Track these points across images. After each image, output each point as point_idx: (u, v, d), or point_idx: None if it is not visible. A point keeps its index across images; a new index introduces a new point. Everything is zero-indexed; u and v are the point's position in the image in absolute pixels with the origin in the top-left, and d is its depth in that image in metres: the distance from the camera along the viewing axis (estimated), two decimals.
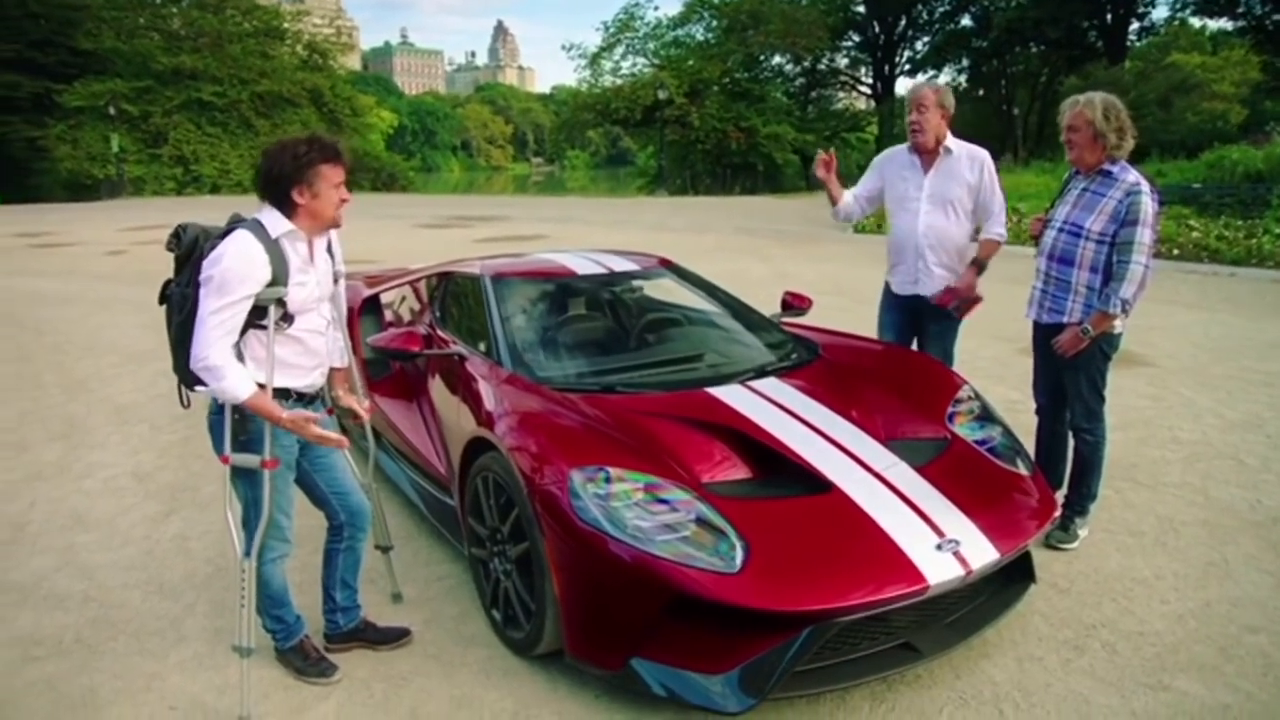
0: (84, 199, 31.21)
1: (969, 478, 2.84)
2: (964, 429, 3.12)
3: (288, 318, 2.45)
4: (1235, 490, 4.00)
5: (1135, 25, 34.35)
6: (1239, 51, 34.34)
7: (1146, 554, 3.41)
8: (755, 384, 3.22)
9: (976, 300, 3.90)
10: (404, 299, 4.78)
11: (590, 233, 15.86)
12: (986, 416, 3.24)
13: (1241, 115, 31.97)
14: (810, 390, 3.20)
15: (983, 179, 3.86)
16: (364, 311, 4.72)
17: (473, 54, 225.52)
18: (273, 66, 36.94)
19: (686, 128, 35.00)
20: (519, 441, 2.78)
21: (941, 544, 2.47)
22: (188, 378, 2.43)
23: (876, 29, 40.09)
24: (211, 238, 2.42)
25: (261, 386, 2.39)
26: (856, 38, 40.91)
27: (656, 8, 64.91)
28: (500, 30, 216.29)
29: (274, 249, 2.38)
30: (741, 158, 35.40)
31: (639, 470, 2.56)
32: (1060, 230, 3.38)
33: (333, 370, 2.78)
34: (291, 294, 2.43)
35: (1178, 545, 3.48)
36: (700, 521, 2.42)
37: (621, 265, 4.07)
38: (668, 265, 4.22)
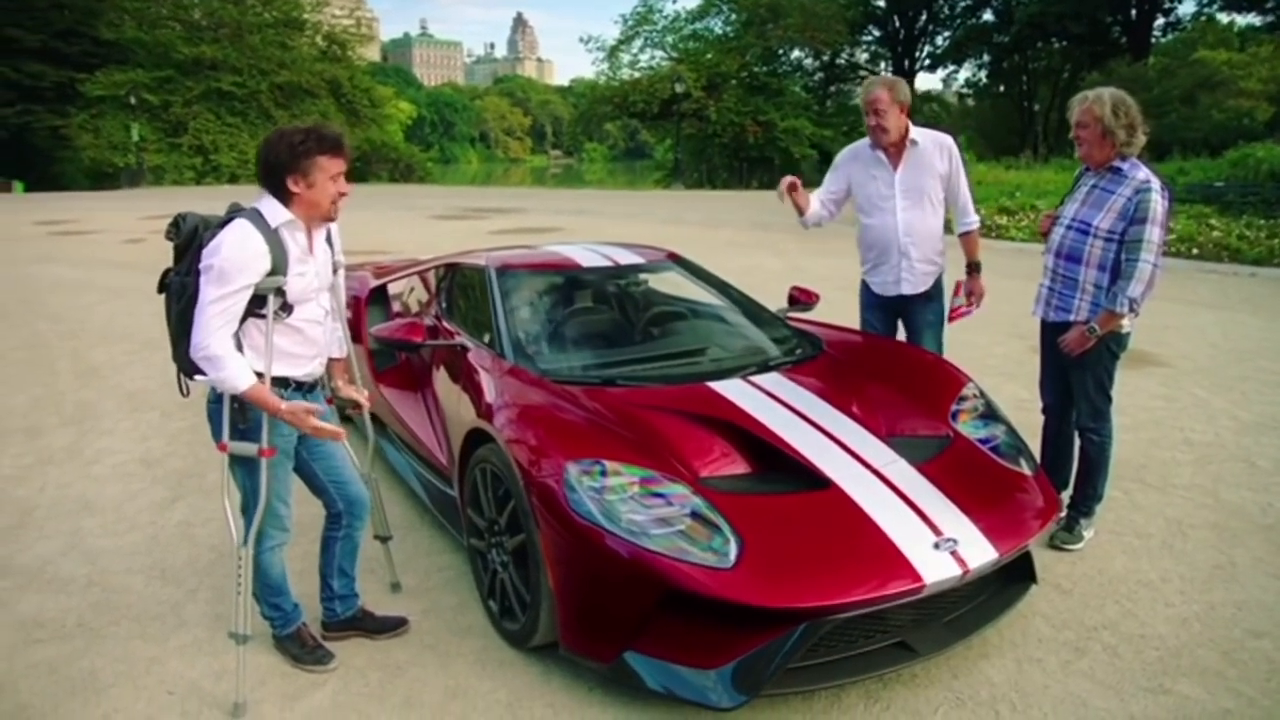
0: (105, 187, 31.73)
1: (970, 476, 2.81)
2: (967, 427, 3.09)
3: (287, 307, 2.46)
4: (1246, 493, 3.94)
5: (1160, 21, 33.95)
6: (1267, 48, 33.76)
7: (1152, 556, 3.36)
8: (756, 379, 3.20)
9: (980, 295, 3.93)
10: (411, 289, 4.79)
11: (605, 225, 15.84)
12: (990, 415, 3.20)
13: (1269, 113, 31.26)
14: (812, 385, 3.18)
15: (952, 166, 3.76)
16: (371, 301, 4.73)
17: (492, 46, 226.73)
18: (292, 57, 37.27)
19: (704, 121, 34.92)
20: (517, 434, 2.78)
21: (939, 543, 2.44)
22: (187, 366, 2.44)
23: (896, 23, 39.79)
24: (211, 227, 2.43)
25: (260, 375, 2.40)
26: (876, 32, 40.65)
27: (675, 1, 64.74)
28: (519, 22, 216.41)
29: (273, 238, 2.38)
30: (759, 151, 35.21)
31: (635, 464, 2.55)
32: (1068, 227, 3.33)
33: (332, 360, 2.79)
34: (291, 284, 2.44)
35: (1185, 548, 3.43)
36: (695, 516, 2.40)
37: (627, 258, 4.05)
38: (674, 259, 4.20)
